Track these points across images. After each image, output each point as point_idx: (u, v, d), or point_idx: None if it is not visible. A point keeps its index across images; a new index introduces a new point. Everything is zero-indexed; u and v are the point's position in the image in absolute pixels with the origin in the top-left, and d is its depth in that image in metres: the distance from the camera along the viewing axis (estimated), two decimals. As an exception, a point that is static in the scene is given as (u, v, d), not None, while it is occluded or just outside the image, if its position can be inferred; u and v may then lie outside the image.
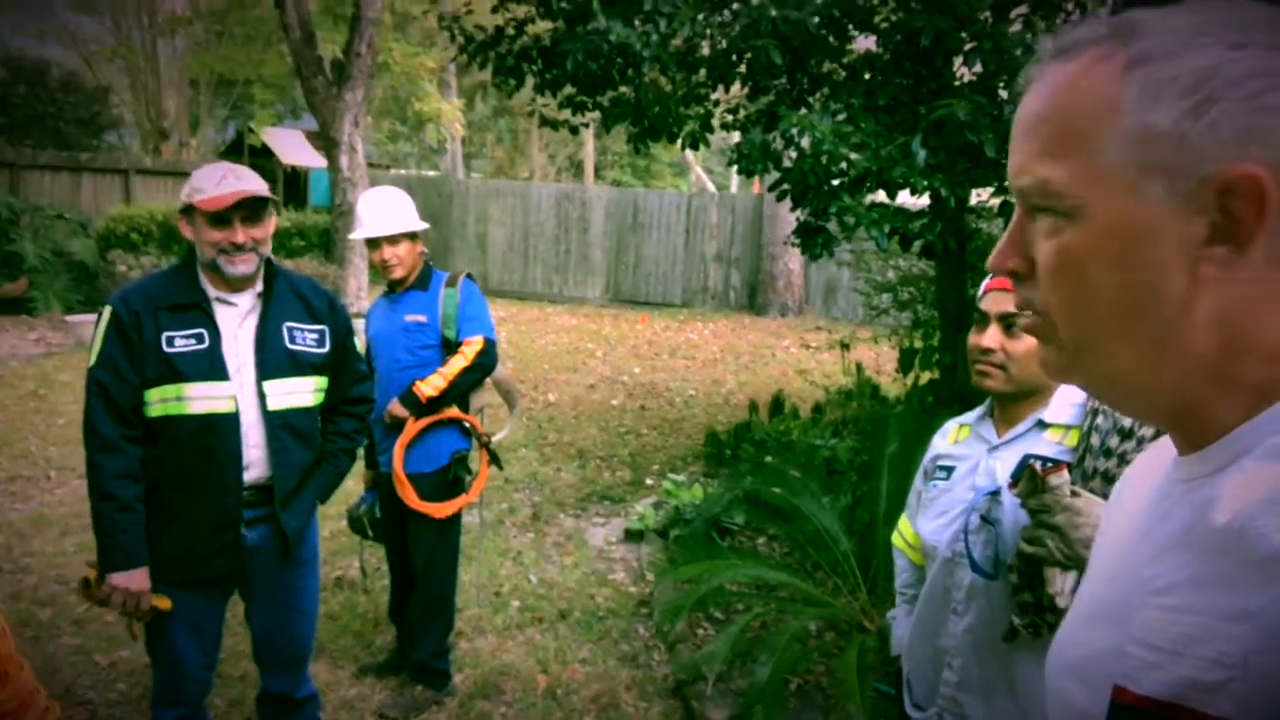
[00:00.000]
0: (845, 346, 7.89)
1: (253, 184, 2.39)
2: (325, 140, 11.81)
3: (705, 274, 14.91)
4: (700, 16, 3.74)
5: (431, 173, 21.75)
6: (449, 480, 3.36)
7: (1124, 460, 1.55)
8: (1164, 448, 0.71)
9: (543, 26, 5.24)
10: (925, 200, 4.02)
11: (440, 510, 3.32)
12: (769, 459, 5.27)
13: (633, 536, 5.10)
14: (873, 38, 4.12)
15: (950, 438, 1.89)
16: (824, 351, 10.41)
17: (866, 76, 4.02)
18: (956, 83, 4.12)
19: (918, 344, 6.03)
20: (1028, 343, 1.65)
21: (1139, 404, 0.68)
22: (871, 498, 4.41)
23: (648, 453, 6.82)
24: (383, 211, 3.29)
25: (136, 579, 2.31)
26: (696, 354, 11.02)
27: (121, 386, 2.31)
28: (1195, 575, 0.58)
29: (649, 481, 6.11)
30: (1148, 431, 1.57)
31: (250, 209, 2.37)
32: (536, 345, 11.18)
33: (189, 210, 2.38)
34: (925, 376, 6.01)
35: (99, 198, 13.13)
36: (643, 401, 8.48)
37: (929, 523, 1.81)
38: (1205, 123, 0.58)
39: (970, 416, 1.86)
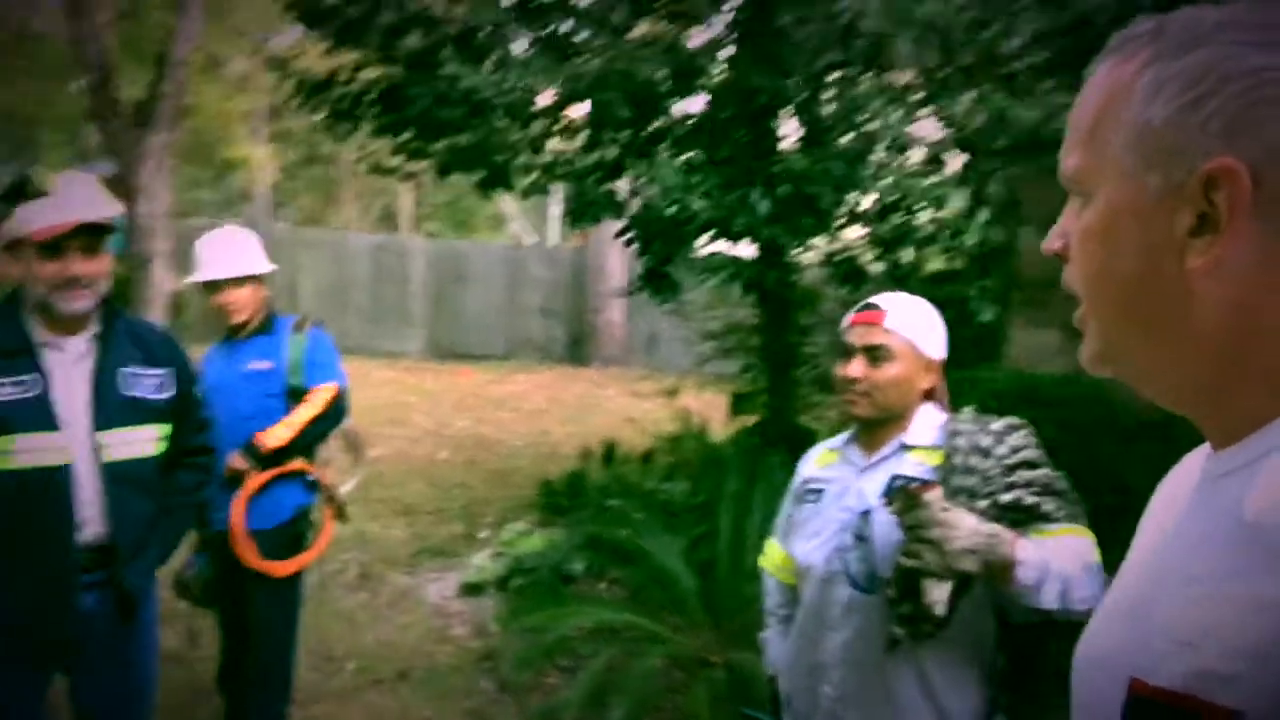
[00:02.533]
0: (673, 394, 8.11)
1: (91, 209, 2.20)
2: (123, 186, 11.01)
3: (528, 326, 14.92)
4: (550, 68, 3.81)
5: (234, 221, 20.59)
6: (291, 537, 3.17)
7: (985, 478, 1.70)
8: (1198, 455, 0.73)
9: (378, 71, 5.17)
10: (747, 250, 4.25)
11: (282, 568, 3.12)
12: (612, 503, 5.31)
13: (470, 590, 4.97)
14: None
15: (818, 462, 1.98)
16: (650, 400, 10.65)
17: (709, 130, 4.22)
18: (783, 139, 4.40)
19: (746, 389, 6.28)
20: (888, 372, 1.78)
21: (1165, 393, 0.70)
22: (711, 536, 4.54)
23: (479, 505, 6.68)
24: (223, 252, 3.12)
25: None
26: (522, 405, 10.96)
27: None
28: (1219, 568, 0.58)
29: (483, 534, 5.99)
30: (1003, 450, 1.73)
31: (88, 236, 2.18)
32: (355, 399, 10.59)
33: (14, 246, 2.17)
34: (753, 419, 6.27)
35: None
36: (470, 454, 8.33)
37: (802, 544, 1.89)
38: (1200, 117, 0.61)
39: (836, 441, 1.97)
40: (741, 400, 6.15)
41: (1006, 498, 1.65)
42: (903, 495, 1.55)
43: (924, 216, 4.10)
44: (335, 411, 3.18)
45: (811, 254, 5.93)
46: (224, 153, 16.09)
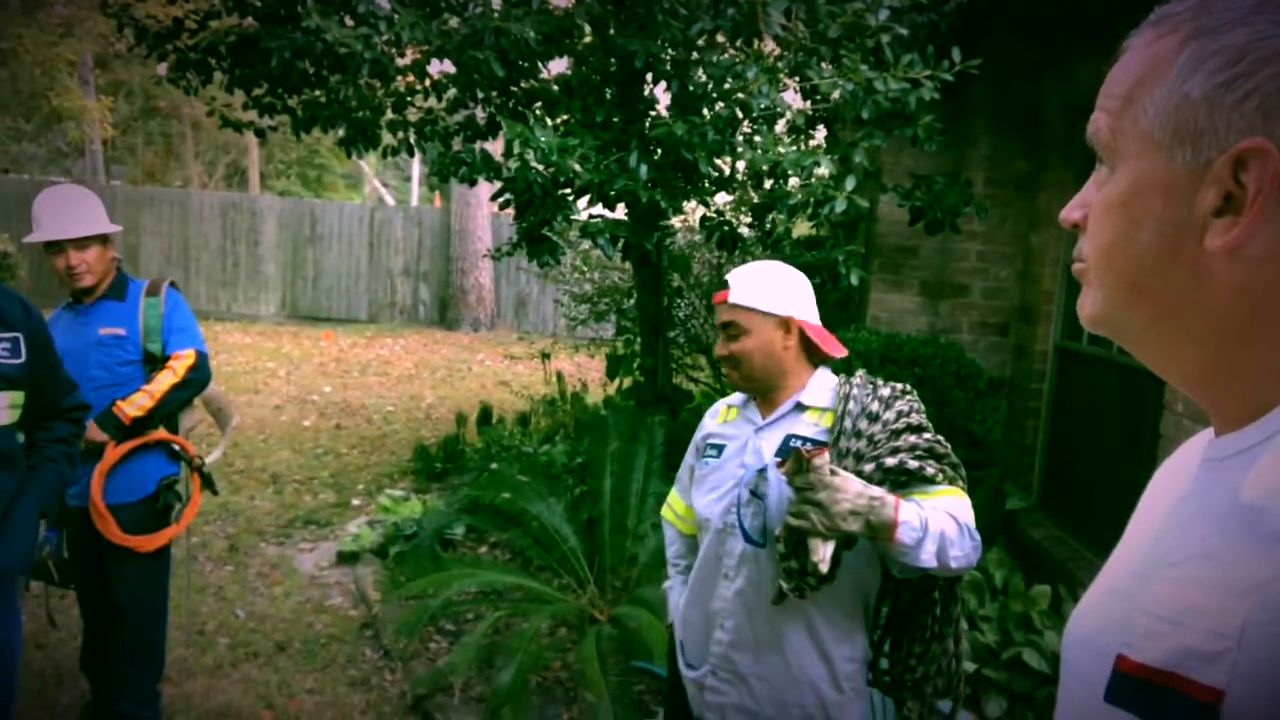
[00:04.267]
0: (546, 357, 8.11)
1: None
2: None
3: (392, 289, 14.53)
4: (421, 23, 3.69)
5: (62, 179, 19.06)
6: (158, 509, 3.03)
7: (872, 441, 1.80)
8: (1200, 439, 0.73)
9: (229, 21, 4.87)
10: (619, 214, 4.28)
11: (148, 543, 2.98)
12: (494, 466, 5.29)
13: (346, 559, 4.87)
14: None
15: (719, 418, 2.06)
16: (522, 363, 10.60)
17: (584, 94, 4.19)
18: (655, 105, 4.43)
19: (623, 352, 6.34)
20: (744, 345, 1.87)
21: (1168, 368, 0.70)
22: (593, 496, 4.59)
23: (351, 473, 6.53)
24: (67, 212, 2.90)
25: None
26: (390, 370, 10.71)
27: None
28: (1208, 549, 0.59)
29: (355, 502, 5.87)
30: (890, 415, 1.82)
31: None
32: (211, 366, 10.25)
33: None
34: (628, 382, 6.34)
35: None
36: (337, 420, 8.10)
37: (702, 497, 1.96)
38: (1235, 96, 0.60)
39: (737, 399, 2.05)
40: (618, 362, 6.21)
41: (891, 461, 1.74)
42: (794, 457, 1.62)
43: (794, 183, 4.22)
44: (197, 378, 3.04)
45: (680, 219, 6.02)
46: (50, 104, 14.80)
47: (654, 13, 3.89)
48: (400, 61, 4.69)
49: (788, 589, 1.74)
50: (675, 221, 5.69)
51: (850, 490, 1.59)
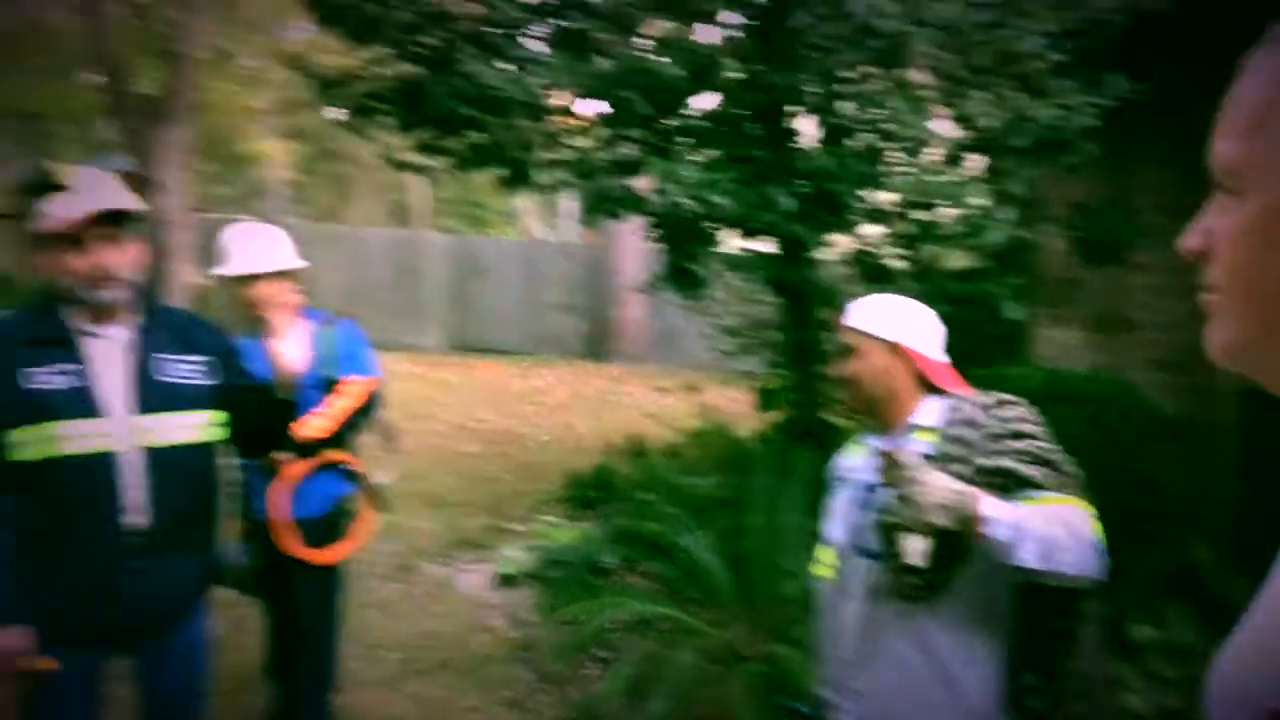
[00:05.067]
0: (695, 390, 8.16)
1: (110, 198, 2.21)
2: (139, 181, 11.13)
3: (547, 321, 14.98)
4: (570, 66, 3.85)
5: (249, 217, 20.68)
6: (333, 526, 3.24)
7: (972, 446, 1.80)
8: None
9: (400, 69, 5.21)
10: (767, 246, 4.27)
11: (325, 557, 3.19)
12: (643, 496, 5.36)
13: (505, 581, 5.04)
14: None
15: (848, 453, 2.13)
16: (671, 395, 10.72)
17: (725, 129, 4.25)
18: (798, 138, 4.41)
19: (773, 385, 6.32)
20: (854, 366, 1.94)
21: None
22: (740, 530, 4.59)
23: (509, 498, 6.76)
24: (257, 247, 3.17)
25: (11, 640, 2.09)
26: (544, 400, 11.03)
27: None
28: None
29: (515, 526, 6.06)
30: (992, 422, 1.83)
31: (109, 227, 2.20)
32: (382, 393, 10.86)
33: (40, 239, 2.20)
34: (779, 416, 6.30)
35: None
36: (497, 447, 8.41)
37: (832, 527, 2.02)
38: None
39: (863, 434, 2.10)
40: (768, 396, 6.19)
41: (989, 463, 1.77)
42: (885, 458, 1.67)
43: (945, 214, 4.13)
44: (369, 403, 3.24)
45: (832, 251, 5.97)
46: (238, 148, 16.18)
47: (795, 46, 3.90)
48: (552, 102, 4.89)
49: (893, 591, 1.76)
50: (825, 253, 5.64)
51: (936, 484, 1.61)
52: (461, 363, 13.79)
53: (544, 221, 27.92)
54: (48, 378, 2.17)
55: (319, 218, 23.30)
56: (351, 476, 3.32)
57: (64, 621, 2.19)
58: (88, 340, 2.25)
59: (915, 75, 4.13)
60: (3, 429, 2.14)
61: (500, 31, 4.37)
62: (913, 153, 4.02)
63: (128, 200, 2.26)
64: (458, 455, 8.05)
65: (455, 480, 7.20)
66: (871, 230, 5.16)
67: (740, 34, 4.46)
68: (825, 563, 2.20)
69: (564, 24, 4.51)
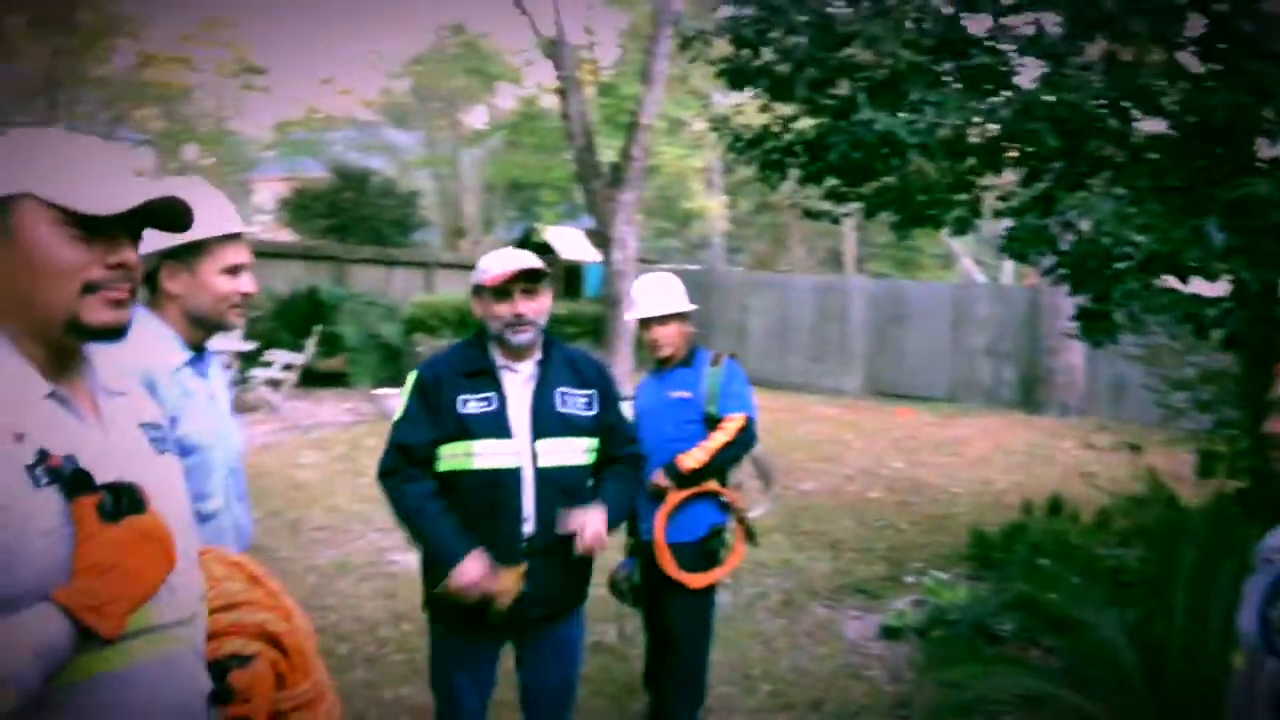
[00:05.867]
0: (1135, 449, 7.24)
1: (529, 261, 2.66)
2: (600, 237, 12.69)
3: (973, 368, 14.25)
4: (969, 103, 3.71)
5: (694, 266, 22.62)
6: (706, 552, 3.44)
7: None
8: None
9: (808, 122, 5.41)
10: (1223, 287, 3.68)
11: (696, 581, 3.40)
12: (1043, 561, 4.90)
13: (890, 633, 4.89)
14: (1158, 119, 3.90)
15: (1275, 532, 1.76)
16: (1110, 454, 9.59)
17: (1154, 157, 3.79)
18: (1258, 162, 3.78)
19: (1220, 447, 5.42)
20: None
21: None
22: (1163, 613, 3.98)
23: (907, 549, 6.55)
24: (655, 294, 3.51)
25: (475, 564, 2.50)
26: (963, 450, 10.49)
27: (419, 440, 2.62)
28: None
29: (908, 579, 5.86)
30: None
31: (528, 282, 2.64)
32: (793, 434, 11.13)
33: (478, 290, 2.69)
34: (1232, 484, 5.37)
35: (406, 287, 14.84)
36: (903, 496, 8.18)
37: (1245, 615, 1.70)
38: None
39: None
40: (1211, 460, 5.31)
41: None
42: None
43: None
44: (745, 439, 3.40)
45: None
46: (683, 205, 17.71)
47: (1264, 66, 3.35)
48: (967, 139, 4.73)
49: None
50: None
51: None
52: (879, 408, 13.62)
53: (982, 264, 26.61)
54: (475, 404, 2.63)
55: (754, 266, 24.60)
56: (725, 507, 3.50)
57: (464, 609, 2.60)
58: (504, 373, 2.68)
59: None
60: (438, 444, 2.62)
61: (901, 74, 4.35)
62: None
63: (541, 262, 2.72)
64: (862, 500, 7.97)
65: (855, 525, 7.13)
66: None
67: (1183, 50, 3.98)
68: (1238, 657, 1.89)
69: (970, 60, 4.38)
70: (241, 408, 10.86)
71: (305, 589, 5.20)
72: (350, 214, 17.09)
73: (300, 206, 17.73)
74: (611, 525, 2.69)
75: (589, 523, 2.59)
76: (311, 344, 11.67)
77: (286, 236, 18.47)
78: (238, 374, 11.27)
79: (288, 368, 11.27)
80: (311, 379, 12.46)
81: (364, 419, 10.84)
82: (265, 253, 13.77)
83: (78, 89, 15.06)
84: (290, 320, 12.96)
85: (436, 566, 2.57)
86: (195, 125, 24.42)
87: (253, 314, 12.72)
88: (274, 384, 11.10)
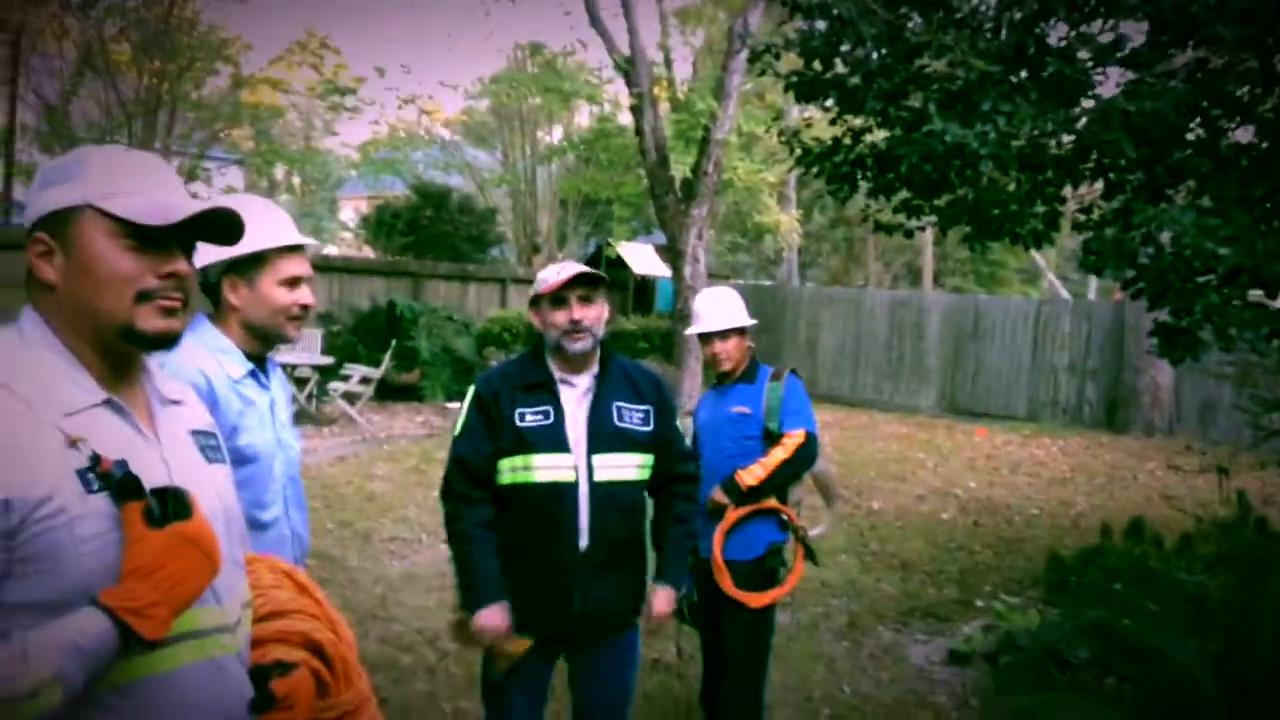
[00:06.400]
0: (1224, 471, 6.91)
1: (585, 268, 2.66)
2: (672, 252, 12.71)
3: (1055, 386, 13.82)
4: (1045, 114, 3.61)
5: (767, 282, 22.47)
6: (764, 571, 3.39)
7: None
8: None
9: (878, 135, 5.33)
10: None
11: (755, 600, 3.35)
12: (1119, 587, 4.71)
13: (957, 658, 4.75)
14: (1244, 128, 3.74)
15: None
16: (1197, 476, 9.19)
17: (1243, 164, 3.62)
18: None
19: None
20: None
21: None
22: (1249, 645, 3.78)
23: (979, 572, 6.36)
24: (715, 309, 3.48)
25: (498, 615, 2.54)
26: (1041, 471, 10.17)
27: (478, 454, 2.62)
28: None
29: (978, 603, 5.69)
30: None
31: (584, 289, 2.63)
32: (863, 451, 10.95)
33: (536, 300, 2.70)
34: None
35: (481, 303, 15.08)
36: (976, 517, 7.96)
37: None
38: None
39: None
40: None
41: None
42: None
43: None
44: (805, 455, 3.34)
45: None
46: (756, 219, 17.62)
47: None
48: (1051, 150, 4.60)
49: None
50: None
51: None
52: (954, 426, 13.30)
53: (1066, 279, 25.86)
54: (533, 417, 2.63)
55: (828, 281, 24.33)
56: (784, 525, 3.44)
57: (523, 624, 2.61)
58: (562, 387, 2.68)
59: None
60: (494, 457, 2.63)
61: (972, 84, 4.26)
62: None
63: (598, 271, 2.71)
64: (934, 521, 7.77)
65: (925, 546, 6.96)
66: None
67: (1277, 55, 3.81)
68: None
69: (1045, 72, 4.26)
70: (320, 420, 11.16)
71: (373, 599, 5.29)
72: (429, 231, 17.45)
73: (381, 223, 18.18)
74: (675, 580, 2.81)
75: (656, 604, 2.73)
76: (387, 358, 11.93)
77: (369, 253, 18.96)
78: (316, 387, 11.58)
79: (365, 381, 11.54)
80: (387, 392, 12.74)
81: (436, 432, 11.03)
82: (347, 269, 14.19)
83: (175, 110, 15.73)
84: (368, 335, 13.29)
85: (465, 598, 2.59)
86: (285, 144, 25.33)
87: (332, 329, 13.09)
88: (351, 397, 11.37)
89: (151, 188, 1.35)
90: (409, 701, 4.00)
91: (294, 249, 2.14)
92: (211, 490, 1.40)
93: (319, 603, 1.59)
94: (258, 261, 2.09)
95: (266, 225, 2.05)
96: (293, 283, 2.12)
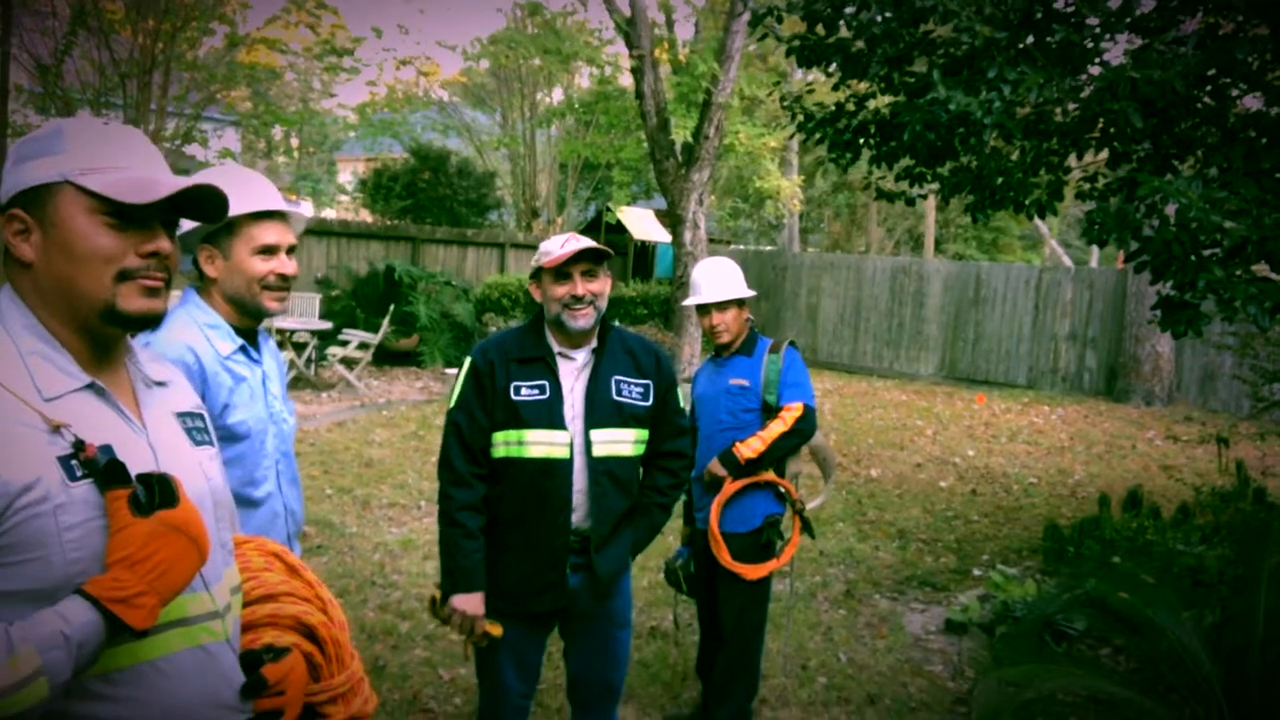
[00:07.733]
0: (1223, 441, 6.91)
1: (590, 243, 2.60)
2: (672, 217, 12.60)
3: (1055, 354, 13.80)
4: (1048, 81, 3.54)
5: (768, 247, 22.34)
6: (761, 543, 3.39)
7: None
8: None
9: (882, 101, 5.25)
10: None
11: (751, 572, 3.35)
12: (1116, 559, 4.72)
13: (954, 628, 4.78)
14: (1254, 95, 3.67)
15: None
16: (1196, 446, 9.21)
17: (1252, 134, 3.56)
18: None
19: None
20: None
21: None
22: (1245, 617, 3.79)
23: (976, 541, 6.38)
24: (714, 280, 3.45)
25: (473, 603, 2.54)
26: (1040, 440, 10.18)
27: (473, 428, 2.59)
28: None
29: (975, 572, 5.71)
30: None
31: (588, 264, 2.58)
32: (862, 419, 10.95)
33: (537, 273, 2.66)
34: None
35: (479, 268, 15.00)
36: (974, 485, 7.97)
37: None
38: None
39: None
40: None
41: None
42: None
43: None
44: (803, 428, 3.32)
45: None
46: (757, 185, 17.49)
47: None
48: (1056, 118, 4.53)
49: None
50: None
51: None
52: (954, 393, 13.30)
53: (1069, 246, 25.75)
54: (528, 392, 2.60)
55: (829, 247, 24.20)
56: (781, 498, 3.44)
57: (512, 597, 2.61)
58: (560, 360, 2.65)
59: None
60: (489, 430, 2.61)
61: (978, 51, 4.18)
62: None
63: (601, 245, 2.66)
64: (932, 489, 7.79)
65: (923, 515, 6.98)
66: None
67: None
68: None
69: (1052, 39, 4.18)
70: (318, 385, 11.15)
71: (371, 566, 5.31)
72: (427, 194, 17.31)
73: (379, 187, 18.04)
74: (636, 551, 2.78)
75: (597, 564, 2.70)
76: (385, 323, 11.90)
77: (366, 217, 18.82)
78: (314, 352, 11.56)
79: (363, 346, 11.51)
80: (386, 357, 12.72)
81: (435, 397, 11.03)
82: (345, 233, 14.08)
83: (170, 71, 15.50)
84: (367, 299, 13.23)
85: (444, 581, 2.59)
86: (282, 106, 25.03)
87: (331, 293, 13.03)
88: (349, 362, 11.35)
89: (132, 163, 1.31)
90: (407, 668, 4.02)
91: (270, 215, 2.05)
92: (199, 474, 1.38)
93: (310, 584, 1.58)
94: (229, 229, 2.02)
95: (238, 191, 1.93)
96: (269, 251, 2.05)
